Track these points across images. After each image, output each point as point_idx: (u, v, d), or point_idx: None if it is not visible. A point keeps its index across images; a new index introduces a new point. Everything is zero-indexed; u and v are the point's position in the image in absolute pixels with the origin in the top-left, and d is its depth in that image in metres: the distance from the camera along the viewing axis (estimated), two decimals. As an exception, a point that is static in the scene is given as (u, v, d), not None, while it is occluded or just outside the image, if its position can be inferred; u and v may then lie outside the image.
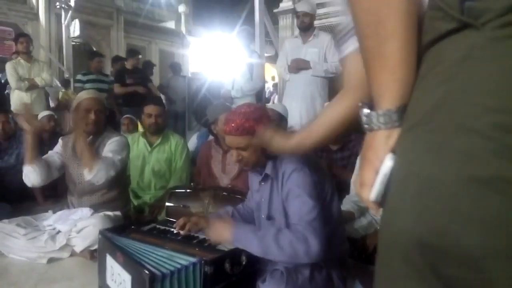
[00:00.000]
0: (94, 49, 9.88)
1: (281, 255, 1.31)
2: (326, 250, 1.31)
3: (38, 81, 4.54)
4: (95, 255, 1.93)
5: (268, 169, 1.51)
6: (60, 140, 2.38)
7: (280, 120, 3.00)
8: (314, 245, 1.29)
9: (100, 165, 2.08)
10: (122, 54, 8.92)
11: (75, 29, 7.58)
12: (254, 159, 1.50)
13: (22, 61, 4.54)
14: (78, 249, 2.05)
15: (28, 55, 4.62)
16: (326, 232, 1.34)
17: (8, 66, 4.47)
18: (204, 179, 2.59)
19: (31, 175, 2.12)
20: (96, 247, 1.80)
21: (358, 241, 2.04)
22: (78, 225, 2.07)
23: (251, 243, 1.36)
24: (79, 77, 5.03)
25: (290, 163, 1.44)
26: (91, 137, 2.25)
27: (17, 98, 4.49)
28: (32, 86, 4.50)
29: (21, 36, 4.74)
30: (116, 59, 5.54)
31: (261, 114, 1.50)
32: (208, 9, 12.36)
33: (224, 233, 1.43)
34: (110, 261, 1.45)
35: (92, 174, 2.07)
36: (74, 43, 8.52)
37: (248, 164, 1.54)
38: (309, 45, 3.53)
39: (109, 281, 1.46)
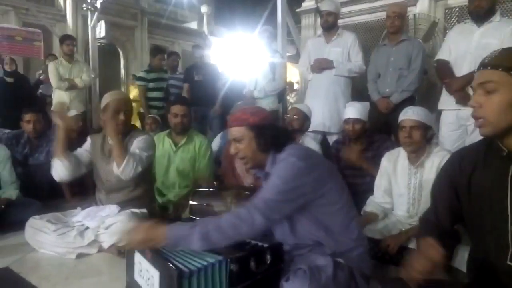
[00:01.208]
0: (119, 50, 10.08)
1: (226, 241, 1.34)
2: (265, 231, 1.36)
3: (78, 81, 4.74)
4: (122, 251, 1.98)
5: (268, 167, 1.54)
6: (88, 138, 2.45)
7: (304, 120, 3.01)
8: (257, 220, 1.33)
9: (128, 160, 2.15)
10: (146, 55, 9.08)
11: (101, 30, 7.74)
12: (250, 152, 1.54)
13: (64, 61, 4.77)
14: (106, 245, 2.10)
15: (71, 57, 4.83)
16: (280, 217, 1.39)
17: (51, 66, 4.72)
18: (228, 178, 2.62)
19: (59, 168, 2.21)
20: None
21: (381, 242, 2.02)
22: (106, 222, 2.13)
23: (190, 241, 1.32)
24: (142, 74, 4.80)
25: (283, 155, 1.48)
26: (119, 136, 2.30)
27: (57, 97, 4.71)
28: (72, 86, 4.69)
29: (67, 38, 4.94)
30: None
31: (260, 110, 1.59)
32: (230, 10, 12.44)
33: (159, 238, 1.35)
34: (138, 257, 1.48)
35: (121, 169, 2.14)
36: (99, 44, 8.71)
37: (246, 159, 1.57)
38: (332, 44, 3.50)
39: (137, 277, 1.50)
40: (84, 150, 2.40)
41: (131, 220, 2.06)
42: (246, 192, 2.23)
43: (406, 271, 1.14)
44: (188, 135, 2.93)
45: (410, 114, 2.13)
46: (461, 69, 2.64)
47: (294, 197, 1.41)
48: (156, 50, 4.98)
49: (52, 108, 4.67)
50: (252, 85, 3.92)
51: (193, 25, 12.20)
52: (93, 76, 7.81)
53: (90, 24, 7.79)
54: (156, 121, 4.17)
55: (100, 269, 1.98)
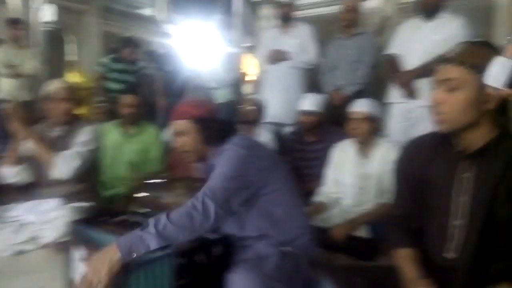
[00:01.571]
0: (66, 35, 9.56)
1: (183, 232, 1.28)
2: (223, 217, 1.34)
3: (25, 68, 4.40)
4: (63, 248, 1.87)
5: (213, 159, 1.53)
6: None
7: (260, 111, 3.01)
8: (209, 207, 1.30)
9: (62, 161, 2.06)
10: (97, 41, 8.67)
11: (47, 13, 7.28)
12: (194, 146, 1.53)
13: (9, 47, 4.40)
14: (45, 241, 1.97)
15: (18, 42, 4.48)
16: (228, 207, 1.37)
17: None
18: (179, 169, 2.55)
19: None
20: (64, 239, 1.75)
21: (329, 231, 2.05)
22: (46, 216, 2.00)
23: (148, 242, 1.23)
24: (105, 60, 4.48)
25: (227, 144, 1.48)
26: (63, 127, 2.19)
27: (3, 85, 4.36)
28: (18, 74, 4.35)
29: (15, 21, 4.58)
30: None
31: (203, 103, 1.59)
32: (187, -3, 12.15)
33: (111, 257, 1.20)
34: (78, 254, 1.41)
35: (55, 171, 2.05)
36: (46, 28, 8.20)
37: (189, 153, 1.55)
38: (288, 36, 3.51)
39: (77, 274, 1.42)
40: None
41: (73, 214, 1.96)
42: (197, 184, 2.18)
43: None
44: (139, 126, 2.84)
45: (358, 106, 2.20)
46: (409, 63, 2.73)
47: (241, 185, 1.41)
48: (126, 42, 4.68)
49: None
50: (208, 75, 3.86)
51: (148, 11, 11.80)
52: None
53: (34, 6, 7.32)
54: (105, 111, 3.99)
55: (37, 267, 1.86)
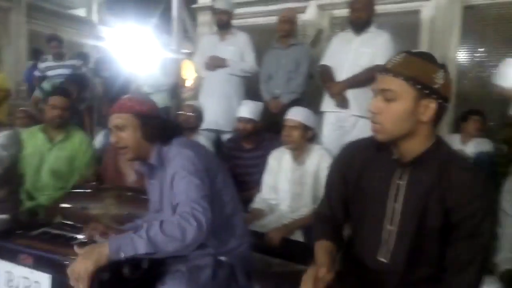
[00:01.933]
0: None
1: (172, 243, 1.24)
2: (210, 228, 1.30)
3: None
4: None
5: (153, 159, 1.47)
6: None
7: (199, 118, 2.97)
8: (202, 220, 1.27)
9: None
10: (23, 41, 8.07)
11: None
12: (133, 142, 1.44)
13: None
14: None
15: None
16: (212, 212, 1.33)
17: None
18: (110, 176, 2.42)
19: None
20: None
21: (265, 236, 2.06)
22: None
23: (136, 245, 1.22)
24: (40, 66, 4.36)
25: (173, 148, 1.44)
26: None
27: None
28: None
29: None
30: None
31: (147, 101, 1.53)
32: (123, -1, 11.73)
33: (100, 250, 1.21)
34: (5, 266, 1.33)
35: None
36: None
37: (128, 149, 1.46)
38: (226, 43, 3.51)
39: (3, 288, 1.32)
40: None
41: None
42: (128, 193, 2.09)
43: None
44: (66, 131, 2.64)
45: (291, 115, 2.26)
46: (341, 74, 2.85)
47: (208, 187, 1.37)
48: (51, 37, 4.68)
49: None
50: (143, 79, 3.75)
51: (81, 12, 11.21)
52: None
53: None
54: (30, 116, 3.70)
55: None
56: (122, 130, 1.44)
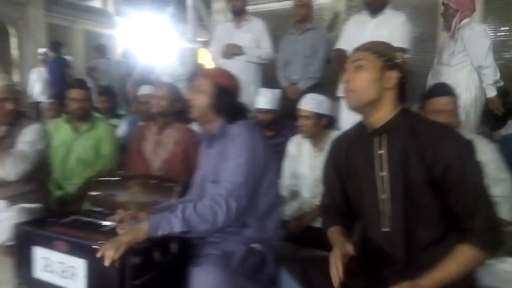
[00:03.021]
0: (10, 28, 8.96)
1: (204, 224, 1.35)
2: (242, 215, 1.39)
3: None
4: (10, 251, 1.78)
5: (217, 129, 1.54)
6: None
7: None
8: (232, 206, 1.35)
9: (10, 161, 1.96)
10: (42, 34, 8.21)
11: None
12: (202, 106, 1.53)
13: None
14: (-5, 246, 1.87)
15: None
16: (251, 201, 1.42)
17: None
18: (135, 164, 2.49)
19: None
20: (11, 242, 1.67)
21: (288, 223, 2.10)
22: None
23: (172, 224, 1.33)
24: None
25: (238, 128, 1.50)
26: (7, 126, 2.09)
27: None
28: None
29: None
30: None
31: (232, 77, 1.63)
32: (138, -11, 11.73)
33: (140, 226, 1.33)
34: (41, 253, 1.39)
35: (4, 172, 1.96)
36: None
37: (195, 110, 1.56)
38: (242, 30, 3.49)
39: (40, 274, 1.39)
40: None
41: (21, 216, 1.86)
42: (154, 181, 2.15)
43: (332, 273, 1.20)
44: (90, 121, 2.73)
45: (303, 104, 2.25)
46: (357, 58, 2.82)
47: (255, 177, 1.44)
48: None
49: None
50: (161, 69, 3.77)
51: (97, 3, 11.31)
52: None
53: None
54: (56, 108, 3.81)
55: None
56: (199, 93, 1.54)
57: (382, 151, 1.24)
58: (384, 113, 1.25)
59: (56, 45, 6.29)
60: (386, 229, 1.24)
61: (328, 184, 1.46)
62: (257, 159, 1.44)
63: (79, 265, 1.30)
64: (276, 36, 3.55)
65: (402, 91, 1.26)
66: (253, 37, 3.47)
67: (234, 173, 1.41)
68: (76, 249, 1.32)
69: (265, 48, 3.47)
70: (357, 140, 1.33)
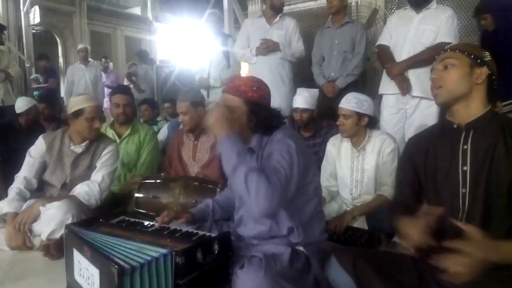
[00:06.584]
0: (57, 37, 9.46)
1: (243, 188, 1.28)
2: (274, 211, 1.31)
3: (12, 72, 4.41)
4: (60, 251, 1.87)
5: (253, 143, 1.49)
6: (41, 139, 2.26)
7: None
8: (278, 188, 1.28)
9: (97, 191, 2.14)
10: (86, 42, 8.59)
11: (35, 16, 7.20)
12: (237, 125, 1.43)
13: None
14: (44, 236, 1.96)
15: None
16: (296, 205, 1.40)
17: None
18: (174, 168, 2.55)
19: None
20: (61, 233, 1.76)
21: (329, 223, 2.07)
22: (41, 210, 2.01)
23: (230, 160, 1.32)
24: None
25: (277, 136, 1.44)
26: (86, 142, 2.22)
27: None
28: (5, 77, 4.37)
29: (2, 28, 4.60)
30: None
31: (261, 87, 1.50)
32: (175, -5, 12.02)
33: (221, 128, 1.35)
34: (77, 256, 1.40)
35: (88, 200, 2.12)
36: (34, 31, 8.10)
37: (231, 128, 1.42)
38: (275, 27, 3.37)
39: (77, 277, 1.42)
40: (35, 156, 2.23)
41: (68, 206, 1.95)
42: (195, 183, 2.19)
43: (405, 240, 1.20)
44: (132, 126, 2.82)
45: (343, 103, 2.20)
46: (400, 54, 2.73)
47: (296, 181, 1.37)
48: None
49: None
50: (205, 73, 3.74)
51: (137, 10, 11.70)
52: (28, 65, 7.29)
53: (23, 9, 7.26)
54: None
55: (38, 270, 1.86)
56: (231, 112, 1.43)
57: (466, 146, 1.25)
58: (473, 109, 1.26)
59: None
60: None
61: (400, 183, 1.48)
62: (295, 163, 1.37)
63: (95, 274, 1.28)
64: (311, 35, 3.46)
65: (491, 89, 1.27)
66: (286, 35, 3.36)
67: (278, 165, 1.34)
68: (95, 258, 1.29)
69: (297, 46, 3.38)
70: (441, 136, 1.34)
